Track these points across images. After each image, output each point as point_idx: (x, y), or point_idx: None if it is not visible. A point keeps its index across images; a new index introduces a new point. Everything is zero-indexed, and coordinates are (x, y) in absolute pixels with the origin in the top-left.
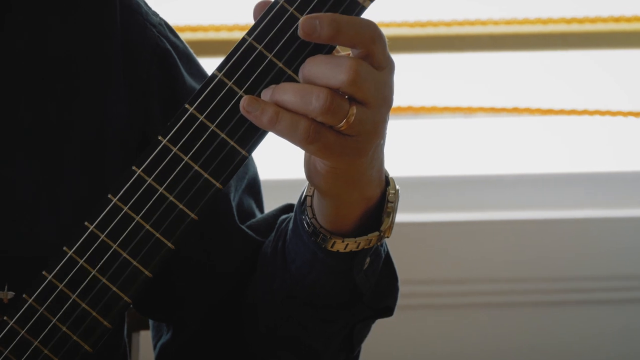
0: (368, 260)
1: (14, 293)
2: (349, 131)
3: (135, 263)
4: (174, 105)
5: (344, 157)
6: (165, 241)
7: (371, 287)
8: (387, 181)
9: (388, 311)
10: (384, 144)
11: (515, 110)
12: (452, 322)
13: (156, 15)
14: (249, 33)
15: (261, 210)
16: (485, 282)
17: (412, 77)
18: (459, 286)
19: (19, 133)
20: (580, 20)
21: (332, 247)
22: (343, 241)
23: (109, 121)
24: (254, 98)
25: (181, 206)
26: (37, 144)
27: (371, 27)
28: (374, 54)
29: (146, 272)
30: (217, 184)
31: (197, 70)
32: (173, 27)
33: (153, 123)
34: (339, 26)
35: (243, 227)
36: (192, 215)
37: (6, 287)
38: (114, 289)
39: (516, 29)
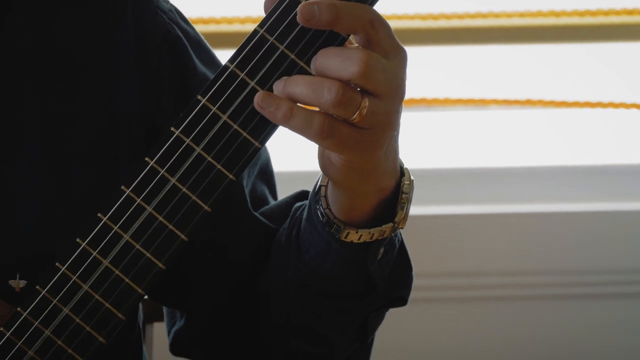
0: (382, 250)
1: (26, 282)
2: (362, 124)
3: (148, 255)
4: (185, 93)
5: (359, 151)
6: (179, 233)
7: (385, 277)
8: (401, 172)
9: (402, 301)
10: (398, 134)
11: (529, 103)
12: (457, 315)
13: (167, 1)
14: (261, 25)
15: (274, 196)
16: (492, 275)
17: (425, 69)
18: (465, 279)
19: (27, 128)
20: (594, 13)
21: (345, 237)
22: (357, 232)
23: (119, 112)
24: (268, 94)
25: (194, 198)
26: (46, 137)
27: (370, 11)
28: (377, 39)
29: (159, 264)
30: (231, 176)
31: (209, 57)
32: (185, 16)
33: (164, 112)
34: (338, 10)
35: (256, 214)
36: (206, 207)
37: (18, 275)
38: (127, 280)
39: (529, 21)
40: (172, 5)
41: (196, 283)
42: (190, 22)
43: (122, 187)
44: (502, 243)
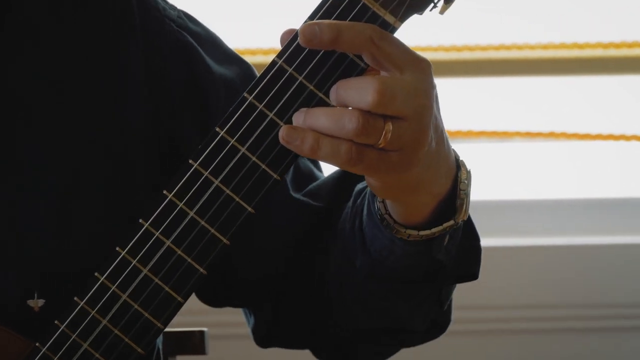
0: (447, 237)
1: (44, 301)
2: (389, 147)
3: (167, 288)
4: (199, 95)
5: (391, 172)
6: (198, 266)
7: (453, 258)
8: (457, 164)
9: (472, 277)
10: (445, 137)
11: (552, 135)
12: (468, 347)
13: (174, 8)
14: (279, 55)
15: (319, 167)
16: (506, 308)
17: (448, 101)
18: (479, 312)
19: (39, 143)
20: (617, 45)
21: (407, 238)
22: (418, 233)
23: (130, 125)
24: (292, 127)
25: (213, 231)
26: (57, 154)
27: (370, 28)
28: (384, 55)
29: (179, 298)
30: (249, 209)
31: (223, 54)
32: (193, 16)
33: (178, 119)
34: (339, 29)
35: (299, 196)
36: (224, 240)
37: (36, 295)
38: (147, 315)
39: (553, 53)
40: (179, 11)
41: (244, 278)
42: (239, 53)
43: (141, 221)
44: (528, 276)
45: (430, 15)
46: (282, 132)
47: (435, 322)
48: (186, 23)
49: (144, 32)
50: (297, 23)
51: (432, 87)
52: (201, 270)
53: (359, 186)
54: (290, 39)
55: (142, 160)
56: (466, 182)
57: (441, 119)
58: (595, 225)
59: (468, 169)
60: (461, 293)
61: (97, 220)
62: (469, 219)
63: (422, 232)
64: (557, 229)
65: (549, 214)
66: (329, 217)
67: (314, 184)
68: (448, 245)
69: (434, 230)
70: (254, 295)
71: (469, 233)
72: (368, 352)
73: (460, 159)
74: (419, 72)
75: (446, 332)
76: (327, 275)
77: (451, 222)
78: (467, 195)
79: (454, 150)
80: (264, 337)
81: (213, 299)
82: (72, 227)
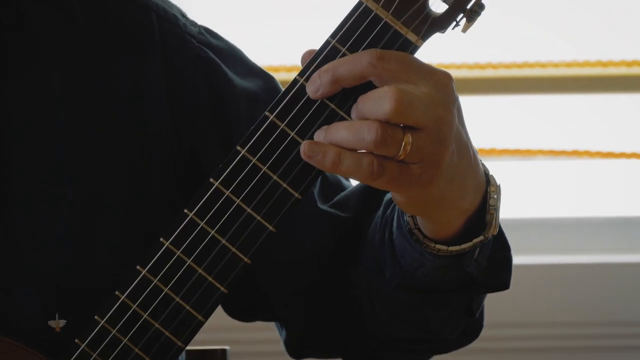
0: (477, 250)
1: (65, 321)
2: (410, 159)
3: (188, 308)
4: (222, 110)
5: (414, 186)
6: (219, 285)
7: (483, 270)
8: (487, 179)
9: (503, 287)
10: (472, 151)
11: (575, 154)
12: None
13: (194, 25)
14: (301, 74)
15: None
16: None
17: (471, 119)
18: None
19: (59, 160)
20: None
21: (437, 252)
22: (448, 248)
23: (149, 141)
24: (314, 142)
25: (234, 250)
26: (80, 172)
27: (366, 53)
28: (389, 75)
29: (200, 317)
30: (270, 227)
31: (245, 67)
32: (214, 31)
33: (200, 134)
34: (334, 69)
35: (326, 207)
36: (245, 259)
37: (57, 315)
38: (167, 333)
39: (577, 71)
40: (200, 27)
41: (273, 291)
42: (273, 69)
43: (161, 240)
44: (553, 293)
45: (453, 33)
46: (304, 147)
47: (466, 330)
48: (207, 39)
49: (165, 50)
50: (320, 40)
51: (453, 99)
52: (222, 289)
53: (388, 196)
54: (312, 58)
55: (161, 177)
56: (495, 197)
57: (465, 133)
58: (620, 244)
59: (498, 184)
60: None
61: (115, 236)
62: (500, 229)
63: (452, 248)
64: (582, 247)
65: (572, 232)
66: (358, 227)
67: (342, 194)
68: (478, 257)
69: (463, 246)
70: (283, 308)
71: (500, 244)
72: (399, 359)
73: (490, 173)
74: (434, 83)
75: (463, 350)
76: (358, 285)
77: (481, 238)
78: (497, 210)
79: (483, 165)
80: (296, 349)
81: (241, 314)
82: (91, 244)
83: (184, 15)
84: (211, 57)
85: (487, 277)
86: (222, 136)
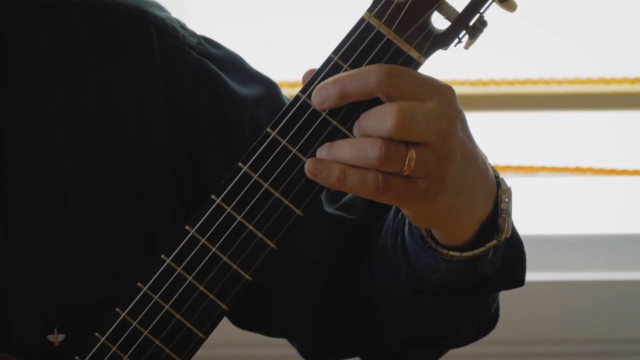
0: (491, 252)
1: (64, 335)
2: (414, 174)
3: (189, 325)
4: (224, 122)
5: (420, 201)
6: (220, 303)
7: (498, 269)
8: (497, 182)
9: (519, 284)
10: (480, 159)
11: (578, 170)
12: None
13: (194, 35)
14: (303, 91)
15: None
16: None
17: (473, 135)
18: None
19: (59, 176)
20: None
21: (451, 258)
22: (461, 254)
23: (151, 157)
24: (318, 160)
25: (235, 267)
26: (80, 177)
27: (374, 69)
28: (397, 92)
29: (200, 334)
30: (272, 244)
31: (245, 74)
32: (213, 40)
33: (202, 145)
34: (342, 83)
35: (332, 210)
36: (247, 277)
37: (56, 330)
38: (168, 350)
39: (580, 88)
40: (199, 38)
41: (281, 296)
42: (289, 85)
43: (163, 256)
44: (552, 311)
45: (455, 50)
46: (308, 165)
47: (482, 323)
48: (207, 49)
49: (164, 62)
50: (320, 40)
51: (456, 112)
52: (223, 306)
53: None
54: (314, 75)
55: (163, 192)
56: (507, 200)
57: (472, 143)
58: (622, 261)
59: (509, 187)
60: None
61: (115, 240)
62: (513, 230)
63: (465, 254)
64: (583, 264)
65: (574, 249)
66: (365, 230)
67: (348, 196)
68: (492, 258)
69: (476, 251)
70: (292, 314)
71: (513, 240)
72: (416, 356)
73: (500, 177)
74: (439, 98)
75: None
76: (370, 287)
77: (494, 242)
78: (509, 213)
79: (493, 169)
80: (311, 355)
81: (249, 323)
82: (91, 249)
83: (183, 27)
84: (211, 67)
85: (502, 275)
86: (225, 146)
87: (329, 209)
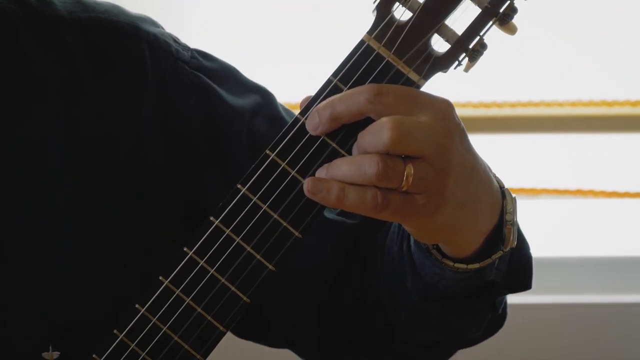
0: (497, 260)
1: (59, 353)
2: (413, 190)
3: (186, 347)
4: (217, 133)
5: (421, 216)
6: (218, 325)
7: (504, 275)
8: (502, 193)
9: (525, 288)
10: (481, 171)
11: (579, 193)
12: None
13: (187, 49)
14: (302, 113)
15: None
16: None
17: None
18: None
19: (55, 194)
20: None
21: (457, 270)
22: (467, 267)
23: (147, 174)
24: (317, 179)
25: (233, 289)
26: (76, 210)
27: (363, 89)
28: (389, 110)
29: (198, 356)
30: (270, 266)
31: (241, 85)
32: (207, 52)
33: (197, 159)
34: (332, 105)
35: (332, 216)
36: (244, 298)
37: (50, 347)
38: (186, 347)
39: (581, 111)
40: (192, 51)
41: (284, 310)
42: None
43: (161, 278)
44: (553, 333)
45: (455, 72)
46: (307, 184)
47: (490, 322)
48: (200, 62)
49: (158, 79)
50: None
51: (454, 125)
52: (221, 328)
53: None
54: (314, 97)
55: (160, 210)
56: (512, 211)
57: (472, 157)
58: (622, 284)
59: (513, 196)
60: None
61: (111, 268)
62: (520, 233)
63: (471, 266)
64: (586, 286)
65: (576, 272)
66: (369, 233)
67: None
68: (499, 265)
69: (482, 263)
70: (297, 320)
71: (519, 244)
72: (426, 356)
73: (505, 187)
74: (434, 112)
75: None
76: (377, 291)
77: (499, 253)
78: (514, 224)
79: (498, 179)
80: (318, 356)
81: (252, 334)
82: (87, 276)
83: (175, 41)
84: (205, 81)
85: (509, 279)
86: (221, 160)
87: (329, 215)
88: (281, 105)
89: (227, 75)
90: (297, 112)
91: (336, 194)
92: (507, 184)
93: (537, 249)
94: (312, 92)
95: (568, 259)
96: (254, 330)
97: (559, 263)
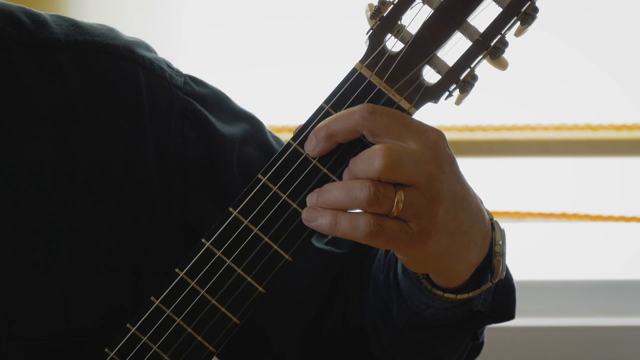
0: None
1: None
2: (403, 216)
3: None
4: (208, 161)
5: (413, 243)
6: (207, 345)
7: (489, 305)
8: (492, 226)
9: (508, 318)
10: (473, 204)
11: (564, 216)
12: None
13: (180, 74)
14: (294, 138)
15: None
16: None
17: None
18: None
19: (47, 221)
20: (630, 127)
21: (446, 299)
22: (456, 297)
23: (139, 200)
24: (312, 207)
25: (223, 310)
26: (70, 233)
27: (359, 108)
28: (380, 130)
29: None
30: (260, 288)
31: (231, 113)
32: (198, 78)
33: (190, 186)
34: (328, 124)
35: (321, 245)
36: (235, 319)
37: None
38: None
39: (566, 135)
40: (185, 77)
41: (271, 334)
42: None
43: (152, 298)
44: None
45: (445, 103)
46: (304, 214)
47: (470, 350)
48: (192, 88)
49: (152, 104)
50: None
51: (444, 155)
52: (210, 348)
53: None
54: (305, 123)
55: (152, 235)
56: (501, 243)
57: (462, 187)
58: (606, 307)
59: (502, 228)
60: None
61: (103, 295)
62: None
63: (460, 296)
64: (568, 310)
65: (559, 295)
66: (354, 263)
67: None
68: (485, 295)
69: (471, 294)
70: (282, 350)
71: (505, 277)
72: None
73: (494, 219)
74: (424, 141)
75: None
76: (361, 318)
77: (488, 285)
78: (503, 256)
79: (488, 212)
80: None
81: (232, 357)
82: (78, 303)
83: (169, 66)
84: (197, 108)
85: (493, 309)
86: (213, 187)
87: (317, 244)
88: (270, 132)
89: (218, 102)
90: (288, 136)
91: (329, 221)
92: (492, 208)
93: (522, 272)
94: (304, 96)
95: (553, 283)
96: (236, 354)
97: (544, 286)
